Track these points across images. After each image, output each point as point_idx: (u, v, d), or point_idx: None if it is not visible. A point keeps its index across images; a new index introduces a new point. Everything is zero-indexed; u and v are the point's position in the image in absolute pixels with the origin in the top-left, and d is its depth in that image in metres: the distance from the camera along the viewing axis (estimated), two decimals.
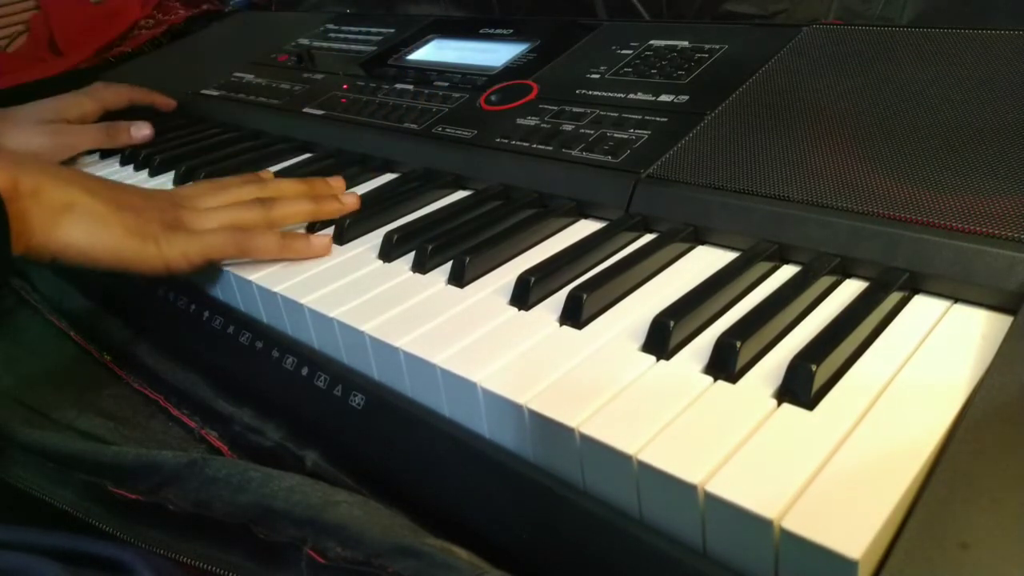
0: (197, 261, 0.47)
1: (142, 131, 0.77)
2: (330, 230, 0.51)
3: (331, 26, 0.91)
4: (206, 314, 0.51)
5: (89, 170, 0.74)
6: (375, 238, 0.50)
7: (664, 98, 0.55)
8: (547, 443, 0.33)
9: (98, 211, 0.45)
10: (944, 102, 0.45)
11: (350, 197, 0.54)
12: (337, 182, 0.57)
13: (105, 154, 0.77)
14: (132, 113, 0.82)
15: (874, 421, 0.29)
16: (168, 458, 0.42)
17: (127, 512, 0.42)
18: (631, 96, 0.56)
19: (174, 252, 0.46)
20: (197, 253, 0.47)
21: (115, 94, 0.81)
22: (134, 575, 0.35)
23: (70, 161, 0.76)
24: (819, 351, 0.32)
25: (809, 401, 0.30)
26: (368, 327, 0.40)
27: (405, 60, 0.76)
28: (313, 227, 0.53)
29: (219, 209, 0.50)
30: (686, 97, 0.54)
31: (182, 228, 0.47)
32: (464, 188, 0.57)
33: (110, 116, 0.80)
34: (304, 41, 0.90)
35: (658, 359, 0.35)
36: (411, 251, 0.47)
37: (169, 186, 0.66)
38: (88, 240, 0.44)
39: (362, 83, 0.74)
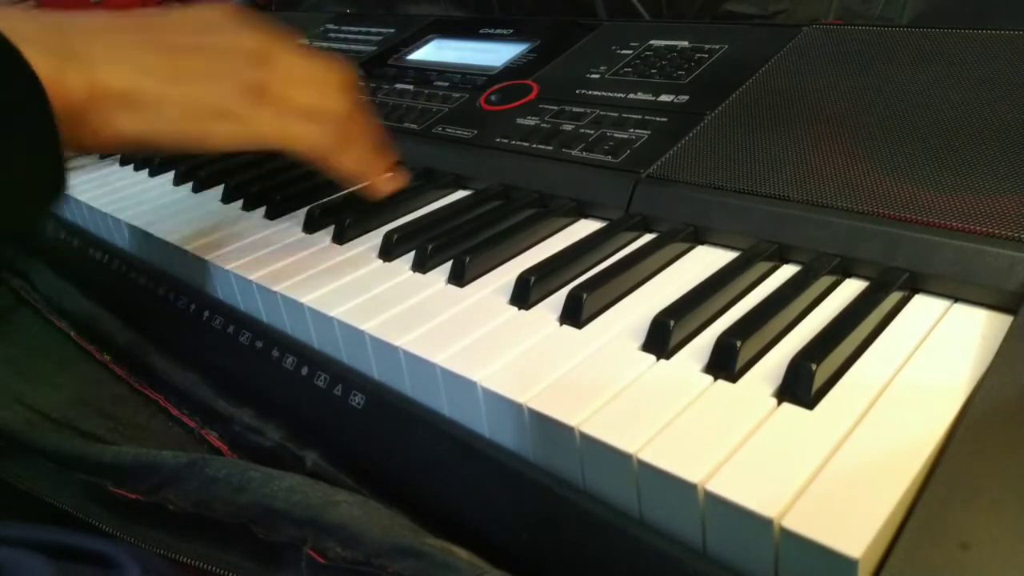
0: (279, 140, 0.42)
1: None
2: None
3: (331, 26, 0.91)
4: (206, 314, 0.51)
5: (89, 170, 0.74)
6: (375, 238, 0.50)
7: (664, 98, 0.55)
8: (547, 442, 0.33)
9: (156, 95, 0.38)
10: (944, 102, 0.45)
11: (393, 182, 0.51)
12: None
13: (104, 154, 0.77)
14: None
15: (874, 421, 0.29)
16: (168, 458, 0.42)
17: (127, 512, 0.42)
18: (631, 96, 0.56)
19: (261, 127, 0.41)
20: (282, 134, 0.42)
21: None
22: (123, 571, 0.35)
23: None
24: (819, 351, 0.32)
25: (809, 400, 0.30)
26: (368, 326, 0.40)
27: (405, 60, 0.76)
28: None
29: (306, 107, 0.43)
30: (686, 97, 0.54)
31: (271, 100, 0.41)
32: (464, 188, 0.57)
33: None
34: (304, 41, 0.90)
35: (658, 358, 0.35)
36: (411, 251, 0.47)
37: (169, 186, 0.66)
38: (142, 129, 0.38)
39: (362, 83, 0.74)
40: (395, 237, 0.48)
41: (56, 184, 0.35)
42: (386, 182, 0.46)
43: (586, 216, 0.50)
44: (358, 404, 0.41)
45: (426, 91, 0.68)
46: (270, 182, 0.60)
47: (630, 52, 0.62)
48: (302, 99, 0.43)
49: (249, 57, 0.42)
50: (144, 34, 0.40)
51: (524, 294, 0.40)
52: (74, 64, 0.36)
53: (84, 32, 0.38)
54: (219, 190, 0.62)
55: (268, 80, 0.41)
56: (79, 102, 0.35)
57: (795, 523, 0.25)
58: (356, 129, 0.46)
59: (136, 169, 0.72)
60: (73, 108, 0.35)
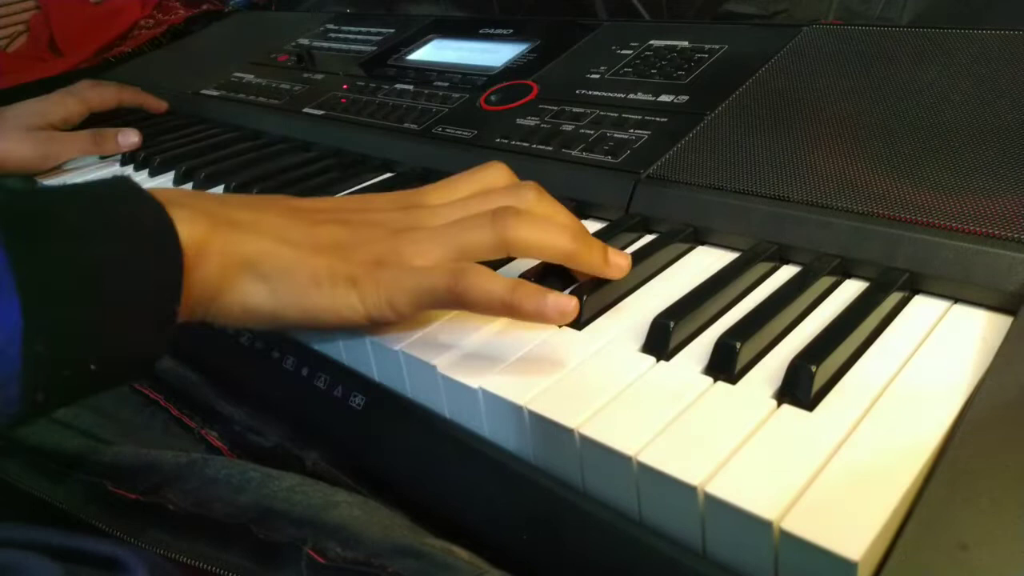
0: (408, 312, 0.36)
1: (129, 139, 0.75)
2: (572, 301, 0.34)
3: (331, 26, 0.91)
4: None
5: (89, 172, 0.74)
6: None
7: (664, 98, 0.55)
8: (547, 444, 0.33)
9: (284, 259, 0.35)
10: (944, 102, 0.45)
11: (622, 258, 0.39)
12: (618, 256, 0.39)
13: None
14: (123, 114, 0.82)
15: (874, 422, 0.29)
16: (167, 458, 0.42)
17: (127, 512, 0.41)
18: (631, 96, 0.56)
19: (378, 298, 0.35)
20: (406, 300, 0.35)
21: (100, 95, 0.80)
22: (130, 574, 0.35)
23: (56, 168, 0.75)
24: (819, 352, 0.32)
25: (809, 402, 0.30)
26: None
27: (405, 60, 0.76)
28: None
29: (446, 227, 0.37)
30: (686, 97, 0.54)
31: (391, 264, 0.36)
32: None
33: (98, 117, 0.79)
34: (304, 41, 0.90)
35: (658, 360, 0.35)
36: None
37: (169, 186, 0.66)
38: (267, 299, 0.35)
39: (362, 83, 0.74)
40: None
41: (155, 345, 0.33)
42: (548, 306, 0.34)
43: (586, 216, 0.50)
44: (358, 405, 0.41)
45: (426, 91, 0.68)
46: (271, 183, 0.60)
47: (630, 52, 0.62)
48: (440, 223, 0.38)
49: (389, 226, 0.38)
50: (298, 212, 0.38)
51: None
52: (215, 229, 0.34)
53: (237, 206, 0.37)
54: (219, 190, 0.62)
55: (395, 245, 0.36)
56: (213, 270, 0.34)
57: (795, 525, 0.25)
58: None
59: (136, 169, 0.72)
60: (205, 274, 0.34)
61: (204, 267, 0.33)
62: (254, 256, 0.35)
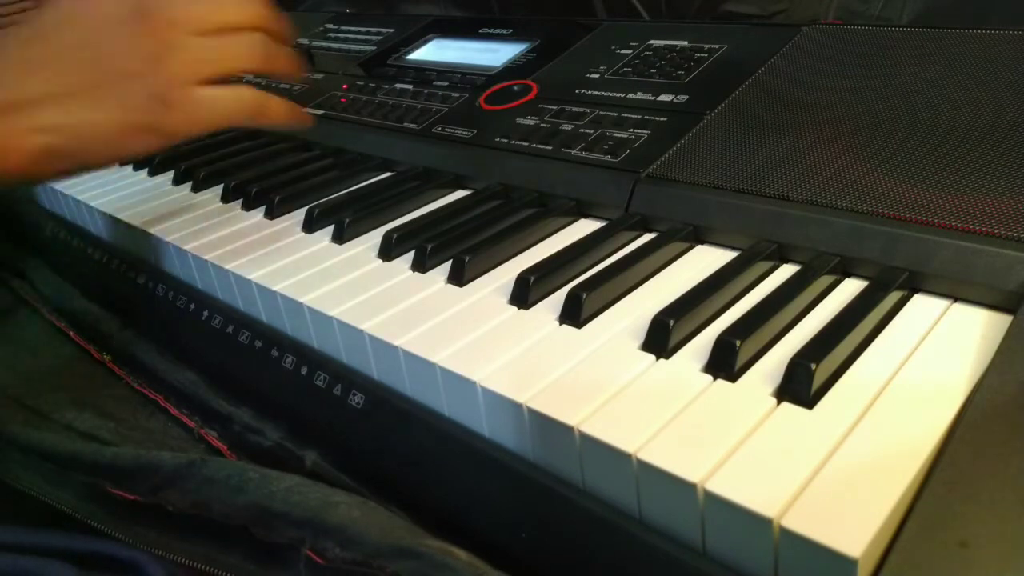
0: (201, 132, 0.41)
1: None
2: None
3: (331, 26, 0.91)
4: (205, 313, 0.51)
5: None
6: (374, 237, 0.50)
7: (664, 98, 0.55)
8: (547, 442, 0.33)
9: (69, 138, 0.38)
10: (943, 102, 0.45)
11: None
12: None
13: None
14: None
15: (873, 420, 0.29)
16: (167, 458, 0.42)
17: (126, 513, 0.41)
18: (631, 96, 0.56)
19: (179, 133, 0.40)
20: (208, 127, 0.41)
21: None
22: None
23: None
24: (818, 350, 0.32)
25: (808, 400, 0.30)
26: (367, 326, 0.40)
27: (405, 60, 0.76)
28: None
29: (211, 46, 0.40)
30: (685, 97, 0.54)
31: (177, 103, 0.39)
32: (464, 188, 0.57)
33: None
34: (304, 41, 0.90)
35: (658, 358, 0.35)
36: (411, 250, 0.47)
37: (169, 185, 0.66)
38: (73, 167, 0.39)
39: (362, 83, 0.74)
40: (394, 237, 0.47)
41: None
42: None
43: (586, 216, 0.50)
44: (358, 404, 0.41)
45: (426, 91, 0.68)
46: (269, 182, 0.60)
47: (629, 52, 0.62)
48: (209, 58, 0.40)
49: (143, 57, 0.39)
50: (38, 47, 0.39)
51: (524, 294, 0.40)
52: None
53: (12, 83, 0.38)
54: (218, 190, 0.62)
55: (168, 81, 0.39)
56: (8, 161, 0.36)
57: (794, 522, 0.25)
58: (275, 40, 0.44)
59: (135, 169, 0.72)
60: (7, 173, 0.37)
61: (9, 171, 0.37)
62: (42, 150, 0.37)
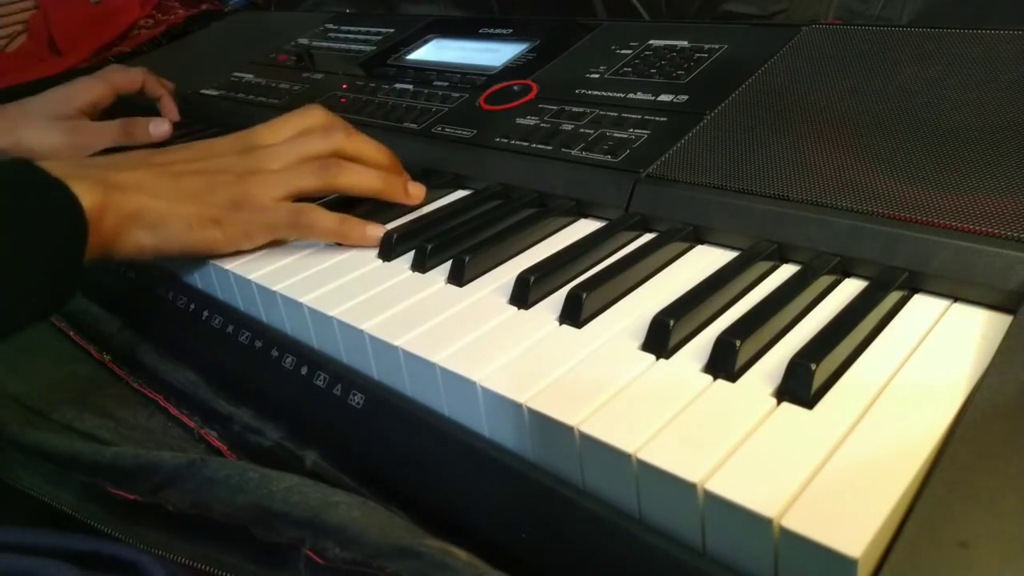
0: (261, 241, 0.49)
1: (161, 127, 0.74)
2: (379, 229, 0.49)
3: (331, 26, 0.91)
4: (206, 313, 0.51)
5: None
6: None
7: (664, 98, 0.55)
8: (547, 442, 0.33)
9: (162, 211, 0.46)
10: (943, 102, 0.45)
11: (418, 188, 0.53)
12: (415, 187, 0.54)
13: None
14: (141, 104, 0.82)
15: (874, 420, 0.29)
16: (167, 459, 0.42)
17: (126, 513, 0.41)
18: (630, 96, 0.56)
19: (237, 233, 0.48)
20: (260, 234, 0.48)
21: (127, 77, 0.78)
22: None
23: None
24: (818, 350, 0.32)
25: (808, 400, 0.30)
26: (367, 326, 0.40)
27: (405, 60, 0.76)
28: None
29: (284, 172, 0.49)
30: (685, 97, 0.54)
31: (245, 206, 0.48)
32: (464, 188, 0.57)
33: (122, 102, 0.79)
34: (304, 41, 0.90)
35: (658, 358, 0.35)
36: (411, 250, 0.47)
37: None
38: (154, 242, 0.47)
39: (362, 83, 0.74)
40: (394, 237, 0.47)
41: (69, 291, 0.44)
42: (367, 233, 0.49)
43: (586, 216, 0.50)
44: (358, 404, 0.41)
45: (426, 91, 0.68)
46: None
47: (629, 52, 0.62)
48: (278, 165, 0.49)
49: (236, 171, 0.49)
50: (161, 166, 0.48)
51: (523, 293, 0.40)
52: (107, 194, 0.44)
53: (116, 168, 0.47)
54: None
55: (244, 191, 0.48)
56: (109, 227, 0.45)
57: (794, 522, 0.25)
58: (351, 150, 0.51)
59: None
60: (103, 231, 0.44)
61: (103, 225, 0.44)
62: (138, 212, 0.46)
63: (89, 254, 0.43)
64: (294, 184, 0.48)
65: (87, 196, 0.43)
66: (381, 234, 0.48)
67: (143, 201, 0.46)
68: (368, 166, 0.51)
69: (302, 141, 0.51)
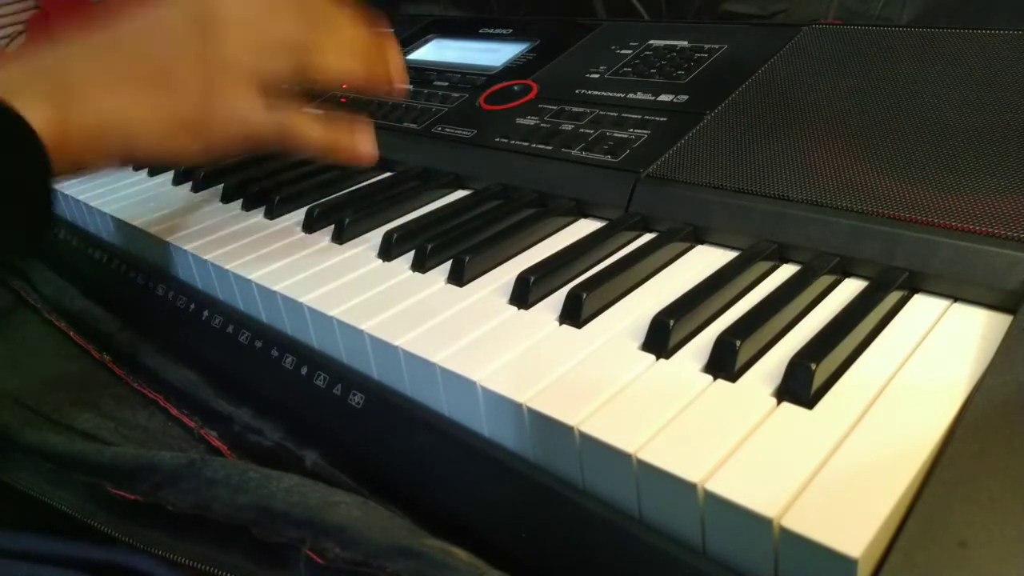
0: (241, 151, 0.45)
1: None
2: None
3: None
4: (206, 313, 0.51)
5: None
6: (374, 237, 0.50)
7: (664, 98, 0.55)
8: (547, 442, 0.33)
9: (128, 125, 0.41)
10: (943, 102, 0.45)
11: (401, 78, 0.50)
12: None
13: None
14: None
15: (873, 420, 0.29)
16: (167, 459, 0.42)
17: (126, 513, 0.41)
18: (631, 96, 0.56)
19: (214, 146, 0.43)
20: (240, 145, 0.44)
21: None
22: None
23: None
24: (818, 350, 0.32)
25: (808, 400, 0.30)
26: (367, 326, 0.40)
27: (405, 60, 0.76)
28: None
29: (256, 62, 0.42)
30: (685, 97, 0.54)
31: (219, 110, 0.42)
32: (464, 188, 0.57)
33: None
34: None
35: (658, 358, 0.35)
36: (411, 250, 0.47)
37: (169, 185, 0.66)
38: (128, 157, 0.43)
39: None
40: (394, 237, 0.47)
41: (45, 218, 0.39)
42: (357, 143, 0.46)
43: (586, 216, 0.50)
44: (358, 404, 0.41)
45: (426, 91, 0.68)
46: (269, 182, 0.60)
47: (629, 52, 0.62)
48: (248, 56, 0.42)
49: (195, 51, 0.42)
50: (110, 56, 0.43)
51: (524, 293, 0.40)
52: (63, 107, 0.39)
53: (64, 70, 0.42)
54: (218, 189, 0.62)
55: (217, 66, 0.41)
56: (75, 145, 0.39)
57: (795, 522, 0.25)
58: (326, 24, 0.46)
59: (135, 169, 0.72)
60: (70, 149, 0.39)
61: (68, 144, 0.39)
62: (102, 127, 0.40)
63: (59, 173, 0.39)
64: (266, 73, 0.43)
65: (38, 114, 0.38)
66: (372, 147, 0.46)
67: (104, 112, 0.40)
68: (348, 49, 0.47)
69: (272, 18, 0.44)
